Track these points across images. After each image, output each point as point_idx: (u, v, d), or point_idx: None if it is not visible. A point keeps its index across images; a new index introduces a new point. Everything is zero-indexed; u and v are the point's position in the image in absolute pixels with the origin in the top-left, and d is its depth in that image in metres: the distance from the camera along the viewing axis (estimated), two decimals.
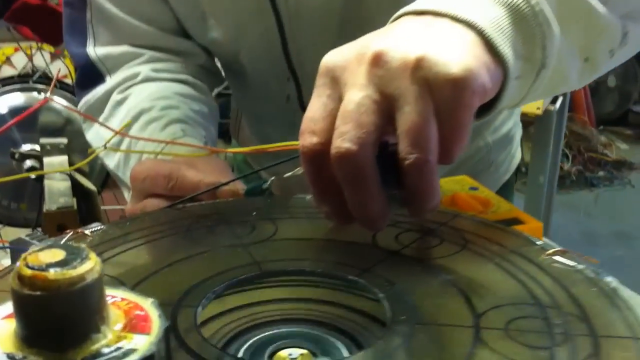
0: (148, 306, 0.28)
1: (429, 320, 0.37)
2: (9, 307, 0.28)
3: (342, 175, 0.43)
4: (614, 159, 3.67)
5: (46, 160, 1.21)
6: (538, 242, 0.45)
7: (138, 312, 0.28)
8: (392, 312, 0.38)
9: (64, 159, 1.21)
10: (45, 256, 0.26)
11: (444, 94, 0.43)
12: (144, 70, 0.84)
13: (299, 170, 0.53)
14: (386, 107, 0.43)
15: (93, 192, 1.24)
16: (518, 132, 1.12)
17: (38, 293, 0.25)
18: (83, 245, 0.26)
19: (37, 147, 1.27)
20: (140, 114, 0.79)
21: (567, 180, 3.41)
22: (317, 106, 0.46)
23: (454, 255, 0.44)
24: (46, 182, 1.16)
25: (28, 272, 0.25)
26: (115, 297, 0.28)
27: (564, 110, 2.21)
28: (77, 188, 1.22)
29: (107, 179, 1.38)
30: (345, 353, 0.39)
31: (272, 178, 0.56)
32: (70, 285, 0.25)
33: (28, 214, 1.21)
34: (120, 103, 0.83)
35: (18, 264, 0.25)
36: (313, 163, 0.45)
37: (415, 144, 0.43)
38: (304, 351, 0.39)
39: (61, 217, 1.06)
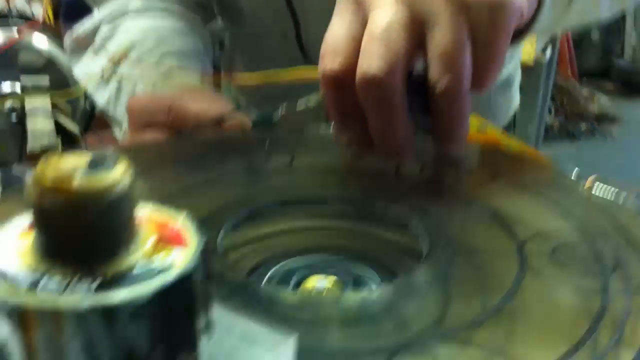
0: (181, 221, 0.25)
1: (469, 247, 0.35)
2: (23, 222, 0.24)
3: (368, 100, 0.40)
4: (595, 112, 3.67)
5: (28, 100, 1.16)
6: (573, 172, 0.43)
7: (170, 226, 0.25)
8: (428, 239, 0.35)
9: (46, 99, 1.16)
10: (68, 162, 0.22)
11: (480, 16, 0.40)
12: (135, 2, 0.80)
13: (312, 100, 0.50)
14: (417, 29, 0.40)
15: (76, 135, 1.20)
16: (517, 77, 1.10)
17: (62, 204, 0.21)
18: (110, 150, 0.23)
19: (17, 86, 1.22)
20: (132, 47, 0.74)
21: (549, 132, 3.40)
22: (339, 27, 0.43)
23: (486, 185, 0.42)
24: (29, 123, 1.11)
25: (49, 180, 0.21)
26: (143, 211, 0.25)
27: (553, 61, 2.18)
28: (59, 130, 1.17)
29: (90, 122, 1.34)
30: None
31: (283, 107, 0.52)
32: (99, 195, 0.22)
33: (8, 156, 1.17)
34: (109, 37, 0.78)
35: (35, 171, 0.22)
36: (335, 88, 0.42)
37: (447, 68, 0.40)
38: (333, 279, 0.36)
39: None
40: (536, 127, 2.19)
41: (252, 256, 0.39)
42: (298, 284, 0.37)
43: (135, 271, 0.22)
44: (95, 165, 0.22)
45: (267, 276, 0.37)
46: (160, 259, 0.23)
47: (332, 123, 0.44)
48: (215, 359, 0.25)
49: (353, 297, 0.32)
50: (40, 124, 1.09)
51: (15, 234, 0.24)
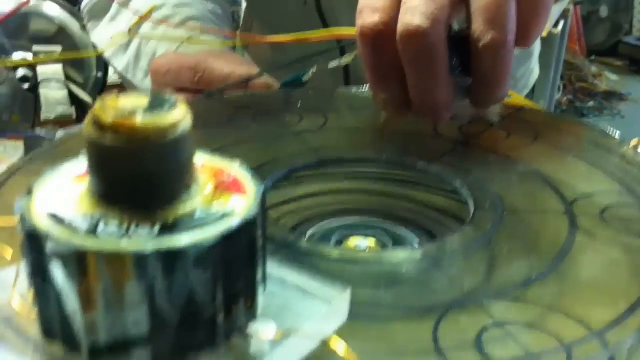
0: (236, 169, 0.24)
1: (516, 207, 0.34)
2: (74, 167, 0.24)
3: (410, 56, 0.39)
4: (604, 89, 3.63)
5: (40, 68, 1.15)
6: (616, 134, 0.42)
7: (226, 174, 0.24)
8: (473, 199, 0.34)
9: (58, 67, 1.14)
10: (127, 102, 0.21)
11: None
12: None
13: (345, 59, 0.49)
14: None
15: (89, 104, 1.19)
16: (537, 48, 1.08)
17: (123, 144, 0.20)
18: (168, 92, 0.22)
19: (29, 56, 1.20)
20: (152, 12, 0.73)
21: (558, 109, 3.37)
22: None
23: (527, 147, 0.41)
24: (42, 92, 1.10)
25: (110, 118, 0.20)
26: (198, 159, 0.24)
27: (565, 34, 2.16)
28: (72, 99, 1.16)
29: (102, 92, 1.32)
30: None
31: (313, 68, 0.51)
32: (162, 135, 0.21)
33: (20, 126, 1.15)
34: (128, 1, 0.77)
35: (93, 110, 0.21)
36: (374, 45, 0.41)
37: (492, 23, 0.38)
38: (373, 240, 0.35)
39: (59, 126, 1.02)
40: (547, 103, 2.17)
41: (291, 216, 0.38)
42: (338, 244, 0.36)
43: (196, 217, 0.21)
44: (155, 105, 0.21)
45: (306, 236, 0.36)
46: (220, 205, 0.22)
47: (368, 83, 0.43)
48: (269, 311, 0.24)
49: (399, 255, 0.31)
50: (53, 93, 1.08)
51: (67, 180, 0.23)
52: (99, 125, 0.21)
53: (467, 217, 0.34)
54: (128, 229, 0.20)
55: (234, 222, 0.21)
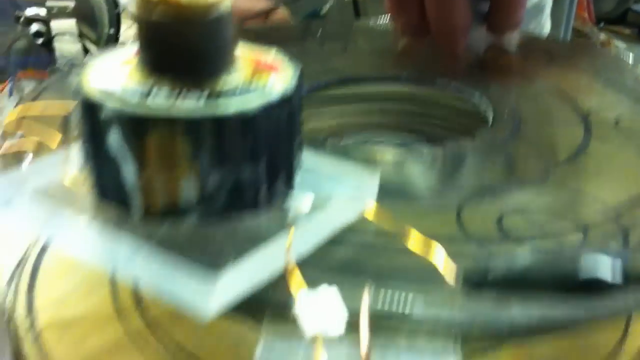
0: (273, 54, 0.26)
1: (533, 117, 0.35)
2: (121, 53, 0.25)
3: None
4: None
5: (53, 23, 1.16)
6: (629, 58, 0.43)
7: (264, 59, 0.25)
8: (492, 109, 0.36)
9: (71, 22, 1.15)
10: None
11: None
12: None
13: None
14: None
15: None
16: (549, 3, 1.08)
17: (169, 19, 0.22)
18: None
19: (42, 11, 1.21)
20: None
21: None
22: None
23: (544, 67, 0.42)
24: (56, 45, 1.12)
25: None
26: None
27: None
28: (86, 54, 1.17)
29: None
30: None
31: (330, 1, 0.52)
32: (205, 11, 0.22)
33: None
34: None
35: None
36: None
37: None
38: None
39: None
40: None
41: (312, 133, 0.39)
42: None
43: (238, 91, 0.23)
44: None
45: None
46: (261, 82, 0.23)
47: (387, 8, 0.44)
48: (303, 190, 0.25)
49: (420, 152, 0.33)
50: (67, 46, 1.09)
51: (116, 63, 0.24)
52: (148, 2, 0.22)
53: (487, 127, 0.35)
54: (177, 96, 0.22)
55: (274, 94, 0.22)
